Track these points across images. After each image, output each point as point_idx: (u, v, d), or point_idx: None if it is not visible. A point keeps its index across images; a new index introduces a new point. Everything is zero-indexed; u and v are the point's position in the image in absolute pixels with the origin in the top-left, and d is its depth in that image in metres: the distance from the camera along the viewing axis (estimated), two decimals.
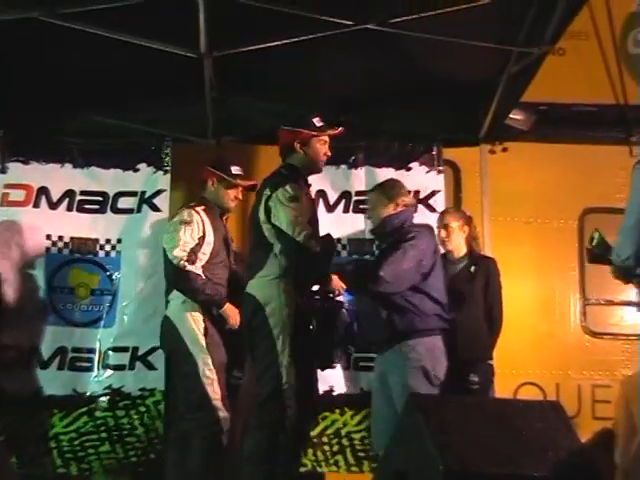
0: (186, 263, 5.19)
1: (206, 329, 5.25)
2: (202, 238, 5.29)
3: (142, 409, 6.20)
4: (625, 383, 5.80)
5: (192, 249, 5.24)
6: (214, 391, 5.15)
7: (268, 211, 4.84)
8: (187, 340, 5.22)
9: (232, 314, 5.25)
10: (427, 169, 6.52)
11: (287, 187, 4.81)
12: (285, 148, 5.04)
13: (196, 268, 5.23)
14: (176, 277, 5.27)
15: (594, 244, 4.19)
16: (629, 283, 4.17)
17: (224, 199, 5.50)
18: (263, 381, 4.79)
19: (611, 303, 6.64)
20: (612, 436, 5.61)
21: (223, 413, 5.14)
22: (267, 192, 4.86)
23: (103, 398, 6.21)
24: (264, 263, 4.84)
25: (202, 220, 5.34)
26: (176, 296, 5.31)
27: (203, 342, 5.20)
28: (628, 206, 4.02)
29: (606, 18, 6.74)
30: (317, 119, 4.98)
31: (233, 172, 5.50)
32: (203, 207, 5.40)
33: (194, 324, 5.24)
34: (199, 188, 5.57)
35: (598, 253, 4.12)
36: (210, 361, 5.18)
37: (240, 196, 5.56)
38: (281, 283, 4.79)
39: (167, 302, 5.40)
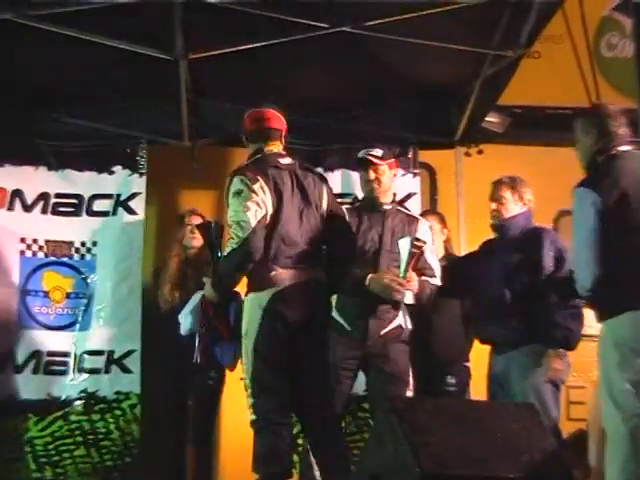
0: None
1: None
2: None
3: (118, 413, 6.18)
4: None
5: None
6: None
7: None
8: None
9: None
10: (403, 172, 6.51)
11: None
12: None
13: None
14: None
15: None
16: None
17: None
18: None
19: (586, 305, 6.66)
20: (586, 437, 5.64)
21: None
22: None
23: (78, 402, 6.18)
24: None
25: None
26: None
27: None
28: (576, 236, 3.96)
29: (580, 21, 6.78)
30: None
31: None
32: None
33: None
34: None
35: None
36: None
37: None
38: None
39: None
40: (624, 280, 3.84)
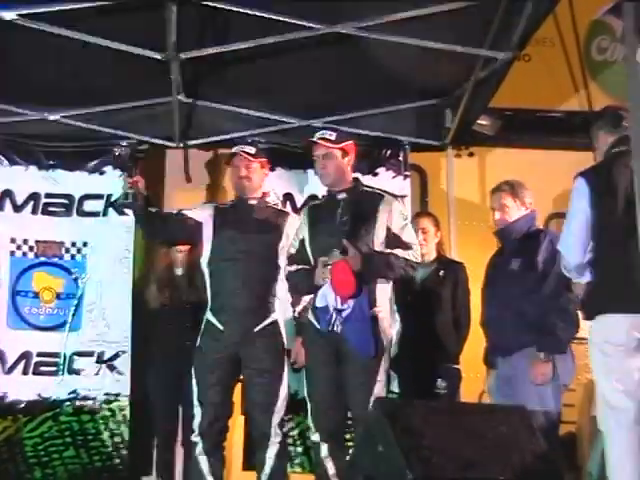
0: None
1: None
2: None
3: (107, 414, 6.17)
4: (588, 387, 5.85)
5: None
6: None
7: None
8: None
9: None
10: (393, 174, 6.52)
11: None
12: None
13: None
14: None
15: None
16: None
17: None
18: None
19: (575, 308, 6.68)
20: (575, 439, 5.66)
21: None
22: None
23: (68, 403, 6.17)
24: None
25: None
26: None
27: None
28: (566, 221, 4.12)
29: (571, 25, 6.81)
30: None
31: None
32: None
33: None
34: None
35: None
36: None
37: None
38: None
39: None
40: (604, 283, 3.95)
